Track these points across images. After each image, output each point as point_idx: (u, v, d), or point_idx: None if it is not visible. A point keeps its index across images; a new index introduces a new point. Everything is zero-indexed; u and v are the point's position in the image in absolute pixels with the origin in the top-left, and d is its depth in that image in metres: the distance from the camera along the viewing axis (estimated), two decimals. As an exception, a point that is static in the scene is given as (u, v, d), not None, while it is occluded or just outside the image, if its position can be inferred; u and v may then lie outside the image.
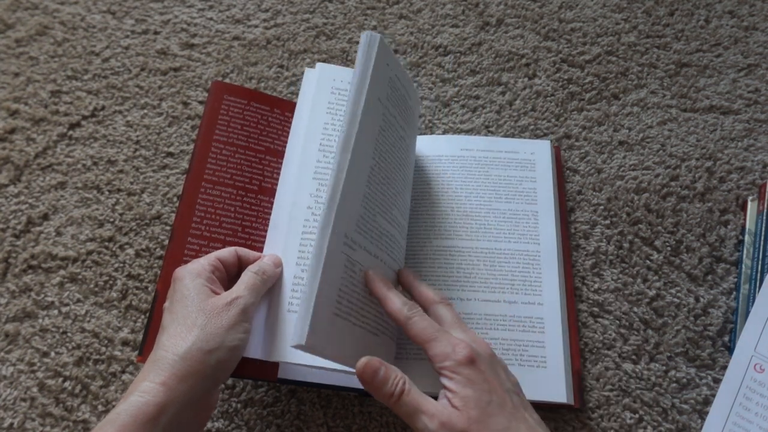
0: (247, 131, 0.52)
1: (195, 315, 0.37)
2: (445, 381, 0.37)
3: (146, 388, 0.34)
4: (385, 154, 0.45)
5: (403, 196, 0.48)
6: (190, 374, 0.35)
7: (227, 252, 0.43)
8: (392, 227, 0.46)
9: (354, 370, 0.37)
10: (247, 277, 0.41)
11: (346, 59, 0.68)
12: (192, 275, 0.40)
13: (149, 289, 0.54)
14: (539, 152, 0.59)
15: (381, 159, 0.44)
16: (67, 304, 0.53)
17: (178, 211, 0.48)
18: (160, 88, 0.65)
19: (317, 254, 0.38)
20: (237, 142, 0.51)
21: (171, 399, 0.34)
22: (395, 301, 0.40)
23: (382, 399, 0.36)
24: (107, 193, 0.59)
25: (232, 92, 0.53)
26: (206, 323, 0.37)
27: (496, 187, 0.56)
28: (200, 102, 0.64)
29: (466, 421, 0.35)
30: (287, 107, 0.54)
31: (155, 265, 0.55)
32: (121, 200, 0.58)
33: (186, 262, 0.45)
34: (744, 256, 0.55)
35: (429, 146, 0.59)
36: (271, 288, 0.44)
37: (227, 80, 0.66)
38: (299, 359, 0.41)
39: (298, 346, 0.36)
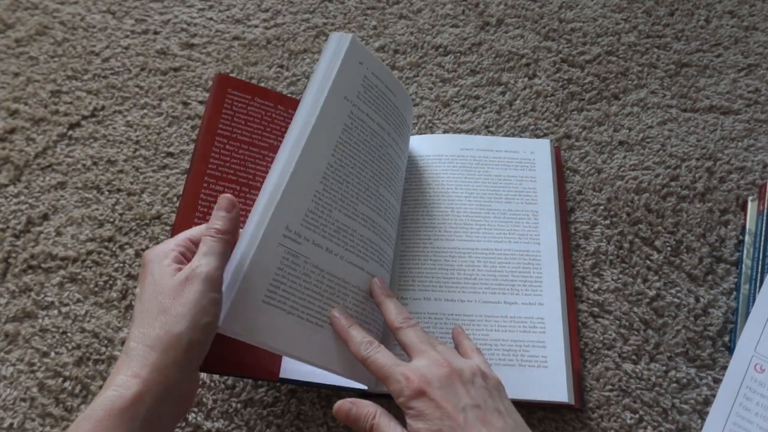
0: (251, 127, 0.51)
1: (160, 299, 0.36)
2: (405, 416, 0.38)
3: (120, 382, 0.34)
4: (350, 151, 0.46)
5: (376, 192, 0.48)
6: (163, 362, 0.34)
7: (198, 230, 0.41)
8: (356, 222, 0.46)
9: (301, 360, 0.40)
10: (202, 243, 0.38)
11: (346, 59, 0.68)
12: (159, 257, 0.38)
13: (149, 289, 0.54)
14: (539, 152, 0.59)
15: (343, 156, 0.45)
16: (67, 304, 0.53)
17: (180, 207, 0.47)
18: (160, 88, 0.65)
19: (248, 243, 0.39)
20: (241, 137, 0.51)
21: (146, 390, 0.34)
22: (354, 340, 0.41)
23: None
24: (107, 193, 0.59)
25: (237, 87, 0.52)
26: (170, 305, 0.35)
27: (496, 187, 0.56)
28: (200, 102, 0.64)
29: None
30: (291, 104, 0.53)
31: (155, 265, 0.55)
32: (121, 200, 0.58)
33: None
34: (744, 256, 0.55)
35: (429, 146, 0.59)
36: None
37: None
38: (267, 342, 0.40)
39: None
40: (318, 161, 0.44)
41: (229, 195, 0.41)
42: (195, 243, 0.40)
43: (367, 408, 0.39)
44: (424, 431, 0.36)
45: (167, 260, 0.38)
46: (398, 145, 0.51)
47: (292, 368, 0.46)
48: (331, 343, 0.42)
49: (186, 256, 0.39)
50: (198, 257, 0.38)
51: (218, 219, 0.40)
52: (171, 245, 0.40)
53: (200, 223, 0.46)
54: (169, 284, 0.36)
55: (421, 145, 0.59)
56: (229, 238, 0.39)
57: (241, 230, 0.42)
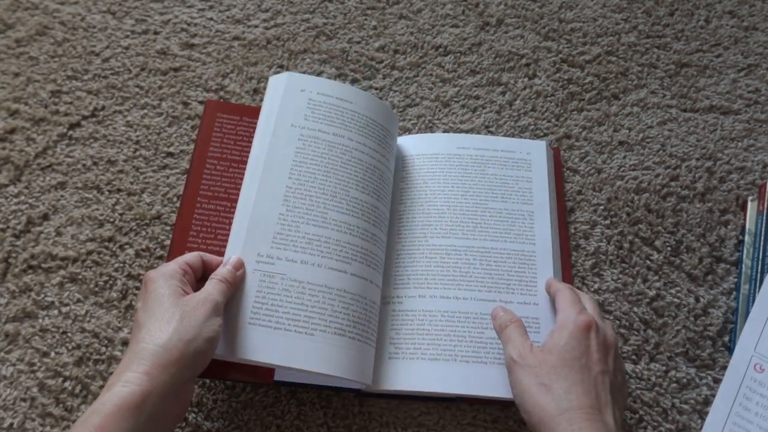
0: (241, 146, 0.54)
1: (172, 310, 0.39)
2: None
3: (130, 378, 0.36)
4: (308, 169, 0.49)
5: (346, 196, 0.49)
6: (171, 363, 0.37)
7: (193, 257, 0.45)
8: (327, 230, 0.48)
9: (295, 369, 0.43)
10: (212, 283, 0.43)
11: (346, 59, 0.68)
12: (165, 277, 0.42)
13: (149, 289, 0.54)
14: (535, 152, 0.59)
15: (301, 175, 0.49)
16: (67, 304, 0.53)
17: (175, 228, 0.50)
18: (160, 88, 0.65)
19: None
20: (231, 157, 0.54)
21: (154, 387, 0.36)
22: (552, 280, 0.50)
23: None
24: (107, 193, 0.59)
25: (225, 110, 0.56)
26: (183, 316, 0.39)
27: (492, 186, 0.56)
28: (200, 102, 0.64)
29: (536, 361, 0.40)
30: None
31: (155, 265, 0.55)
32: (121, 200, 0.58)
33: None
34: (744, 256, 0.55)
35: (425, 145, 0.59)
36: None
37: (227, 80, 0.66)
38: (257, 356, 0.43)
39: None
40: (276, 189, 0.48)
41: (240, 258, 0.46)
42: (192, 267, 0.44)
43: (511, 315, 0.46)
44: (558, 347, 0.40)
45: (174, 280, 0.42)
46: (365, 145, 0.53)
47: (289, 371, 0.46)
48: (324, 348, 0.44)
49: (186, 279, 0.43)
50: (209, 289, 0.42)
51: (228, 272, 0.44)
52: (175, 268, 0.43)
53: (195, 242, 0.50)
54: (182, 300, 0.40)
55: (417, 144, 0.59)
56: (232, 289, 0.44)
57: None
